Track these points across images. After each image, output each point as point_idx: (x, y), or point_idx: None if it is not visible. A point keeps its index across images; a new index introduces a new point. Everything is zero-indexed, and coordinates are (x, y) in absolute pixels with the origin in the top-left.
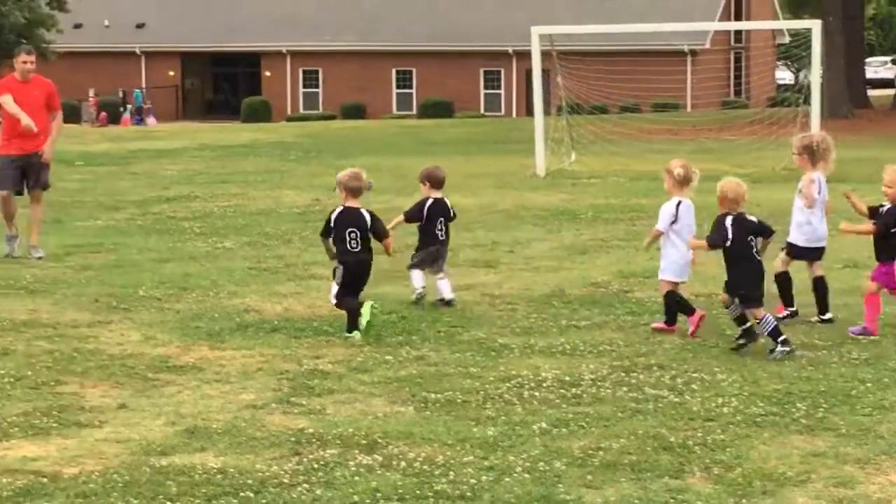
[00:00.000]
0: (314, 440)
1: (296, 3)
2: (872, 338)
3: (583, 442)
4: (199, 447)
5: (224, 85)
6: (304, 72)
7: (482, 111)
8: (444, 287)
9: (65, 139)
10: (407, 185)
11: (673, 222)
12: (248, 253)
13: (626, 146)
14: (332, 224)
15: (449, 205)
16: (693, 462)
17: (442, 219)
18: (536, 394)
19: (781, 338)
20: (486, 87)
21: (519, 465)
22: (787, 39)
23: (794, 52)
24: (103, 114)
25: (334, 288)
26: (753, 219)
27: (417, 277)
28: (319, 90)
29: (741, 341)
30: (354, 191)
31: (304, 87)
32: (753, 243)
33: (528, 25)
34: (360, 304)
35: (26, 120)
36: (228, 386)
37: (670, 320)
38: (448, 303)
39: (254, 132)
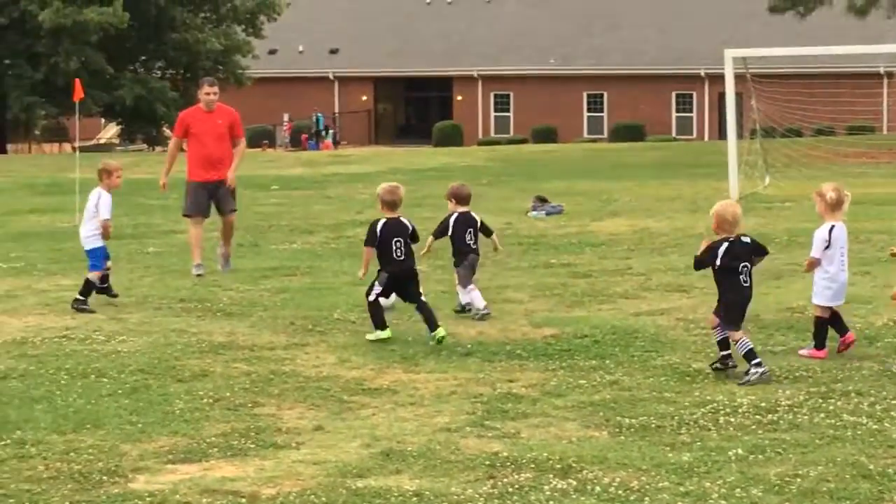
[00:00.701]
0: (508, 464)
1: (487, 27)
2: None
3: (780, 469)
4: (394, 469)
5: (416, 109)
6: (496, 96)
7: (674, 134)
8: (477, 297)
9: (260, 164)
10: (602, 207)
11: (826, 247)
12: (441, 276)
13: (820, 170)
14: (377, 234)
15: (477, 218)
16: (893, 490)
17: (471, 229)
18: (732, 419)
19: (755, 360)
20: (677, 111)
21: (715, 491)
22: None
23: None
24: (304, 136)
25: (377, 288)
26: (747, 240)
27: (478, 298)
28: (510, 114)
29: (717, 365)
30: (390, 204)
31: (496, 111)
32: (745, 269)
33: (720, 48)
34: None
35: (164, 180)
36: (423, 409)
37: (820, 344)
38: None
39: (445, 156)
